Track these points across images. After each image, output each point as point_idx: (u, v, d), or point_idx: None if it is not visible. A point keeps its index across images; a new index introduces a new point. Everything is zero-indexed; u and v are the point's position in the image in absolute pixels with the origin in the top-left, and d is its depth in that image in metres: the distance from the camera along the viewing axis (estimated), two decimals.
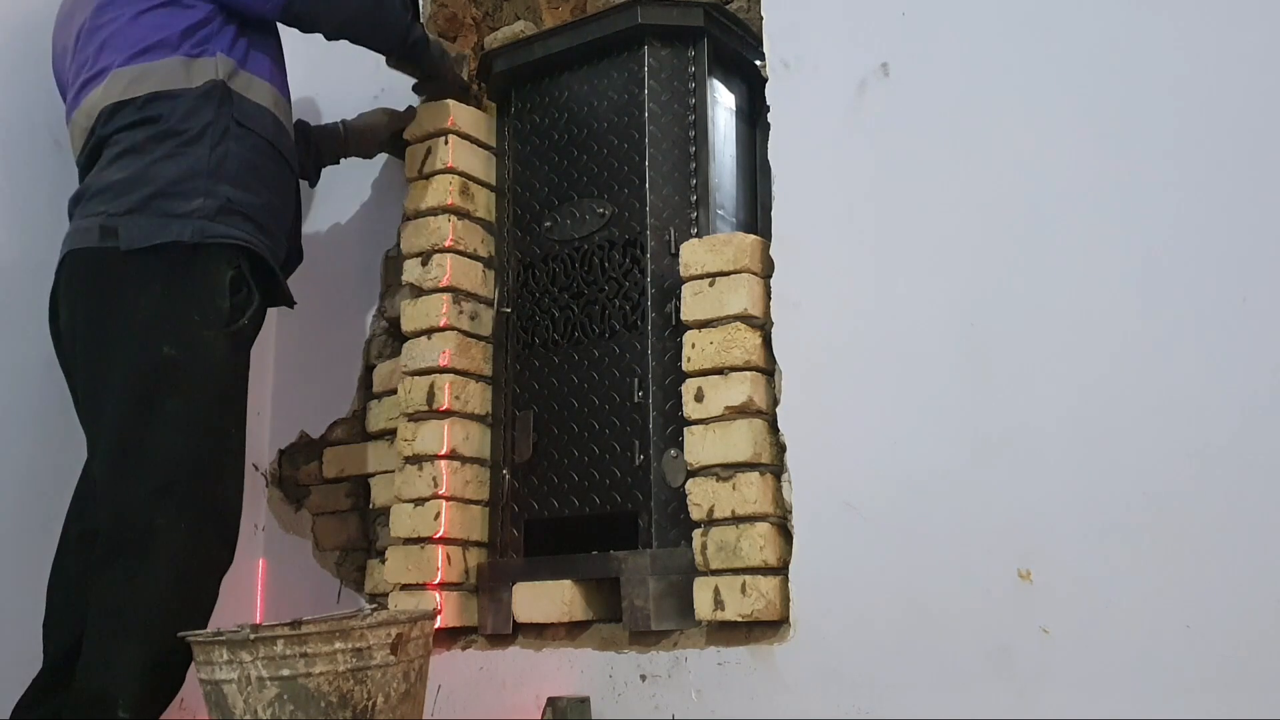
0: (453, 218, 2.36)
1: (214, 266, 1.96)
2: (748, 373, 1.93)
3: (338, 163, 2.53)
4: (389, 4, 2.27)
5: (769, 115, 2.03)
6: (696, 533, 1.94)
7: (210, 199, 1.96)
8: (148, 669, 1.82)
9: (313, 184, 2.54)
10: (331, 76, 2.56)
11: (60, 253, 1.99)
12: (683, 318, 2.03)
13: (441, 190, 2.36)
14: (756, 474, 1.90)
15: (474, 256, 2.38)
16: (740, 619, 1.86)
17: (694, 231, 2.17)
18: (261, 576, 2.70)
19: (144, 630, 1.82)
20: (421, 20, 2.57)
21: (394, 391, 2.44)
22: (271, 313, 2.72)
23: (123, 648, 1.81)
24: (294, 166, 2.20)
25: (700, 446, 1.95)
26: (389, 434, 2.48)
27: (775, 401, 1.94)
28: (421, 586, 2.22)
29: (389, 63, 2.40)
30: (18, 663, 1.97)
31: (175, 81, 2.00)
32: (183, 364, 1.91)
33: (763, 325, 1.97)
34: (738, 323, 1.96)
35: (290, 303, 2.20)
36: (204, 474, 1.92)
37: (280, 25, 2.22)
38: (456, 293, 2.32)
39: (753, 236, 2.03)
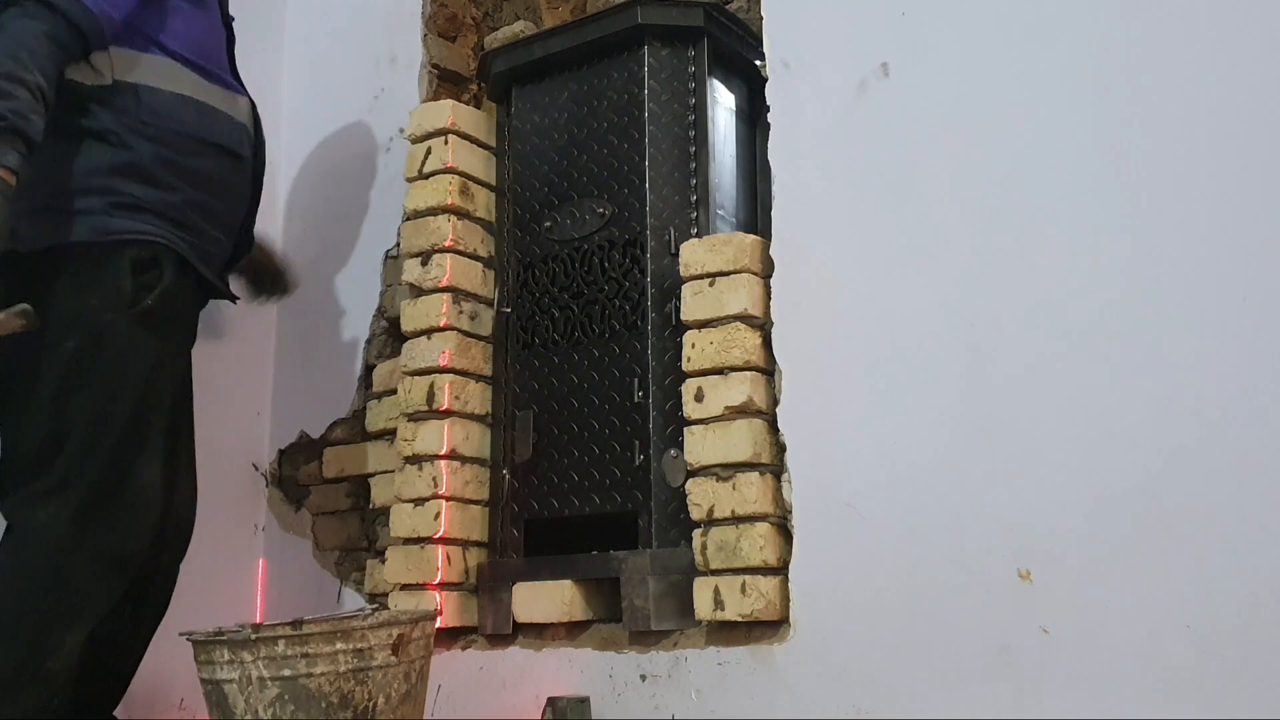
0: (453, 218, 2.36)
1: (115, 256, 1.86)
2: (748, 373, 1.93)
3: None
4: None
5: (769, 115, 2.04)
6: (696, 533, 1.94)
7: (110, 196, 1.86)
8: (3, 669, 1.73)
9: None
10: (333, 78, 2.56)
11: None
12: (683, 318, 2.03)
13: (441, 190, 2.36)
14: (756, 474, 1.90)
15: (474, 256, 2.38)
16: (740, 619, 1.86)
17: (694, 231, 2.17)
18: (261, 576, 2.70)
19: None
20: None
21: (394, 391, 2.44)
22: (270, 313, 2.73)
23: None
24: (235, 151, 2.04)
25: (700, 446, 1.95)
26: (389, 434, 2.48)
27: (775, 401, 1.94)
28: (421, 586, 2.22)
29: None
30: None
31: (78, 74, 1.85)
32: (86, 355, 1.82)
33: (763, 325, 1.97)
34: (738, 323, 1.96)
35: (230, 297, 2.13)
36: (110, 468, 1.84)
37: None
38: (456, 293, 2.32)
39: (753, 236, 2.03)
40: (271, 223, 2.74)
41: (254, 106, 2.14)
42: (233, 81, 2.10)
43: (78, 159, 1.86)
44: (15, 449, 1.86)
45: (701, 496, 1.93)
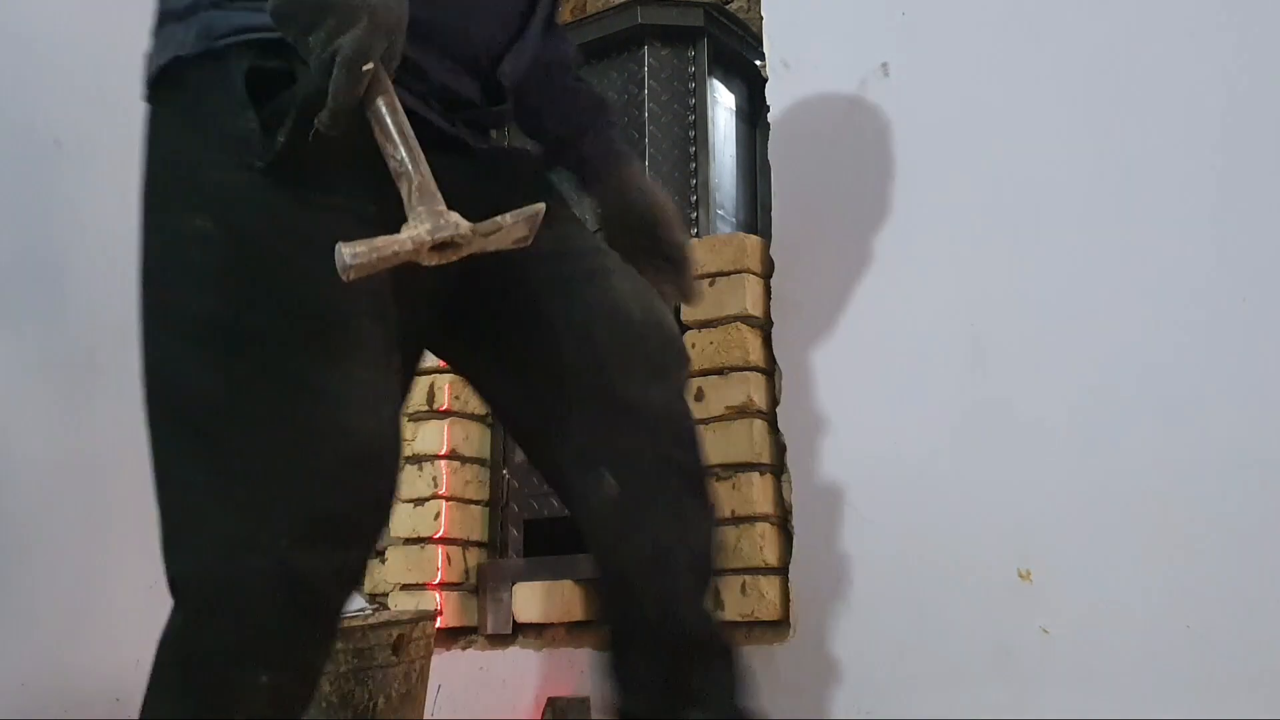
0: None
1: (223, 73, 1.09)
2: (748, 373, 1.93)
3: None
4: None
5: (769, 115, 2.03)
6: None
7: None
8: None
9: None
10: None
11: None
12: (682, 318, 2.03)
13: None
14: (756, 474, 1.90)
15: None
16: (740, 619, 1.86)
17: (694, 231, 2.16)
18: None
19: None
20: None
21: None
22: None
23: None
24: None
25: None
26: None
27: (775, 401, 1.94)
28: (421, 586, 2.22)
29: None
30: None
31: None
32: (214, 240, 1.07)
33: (763, 325, 1.97)
34: (738, 323, 1.96)
35: (466, 147, 1.22)
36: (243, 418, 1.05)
37: None
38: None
39: (753, 236, 2.03)
40: None
41: None
42: None
43: None
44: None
45: None
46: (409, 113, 1.03)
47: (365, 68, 0.99)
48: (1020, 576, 1.67)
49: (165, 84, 1.15)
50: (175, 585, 1.08)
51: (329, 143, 1.02)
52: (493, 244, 1.05)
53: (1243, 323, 1.56)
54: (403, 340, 1.15)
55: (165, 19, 1.16)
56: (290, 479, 1.03)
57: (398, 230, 0.99)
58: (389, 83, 1.02)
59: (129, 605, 2.10)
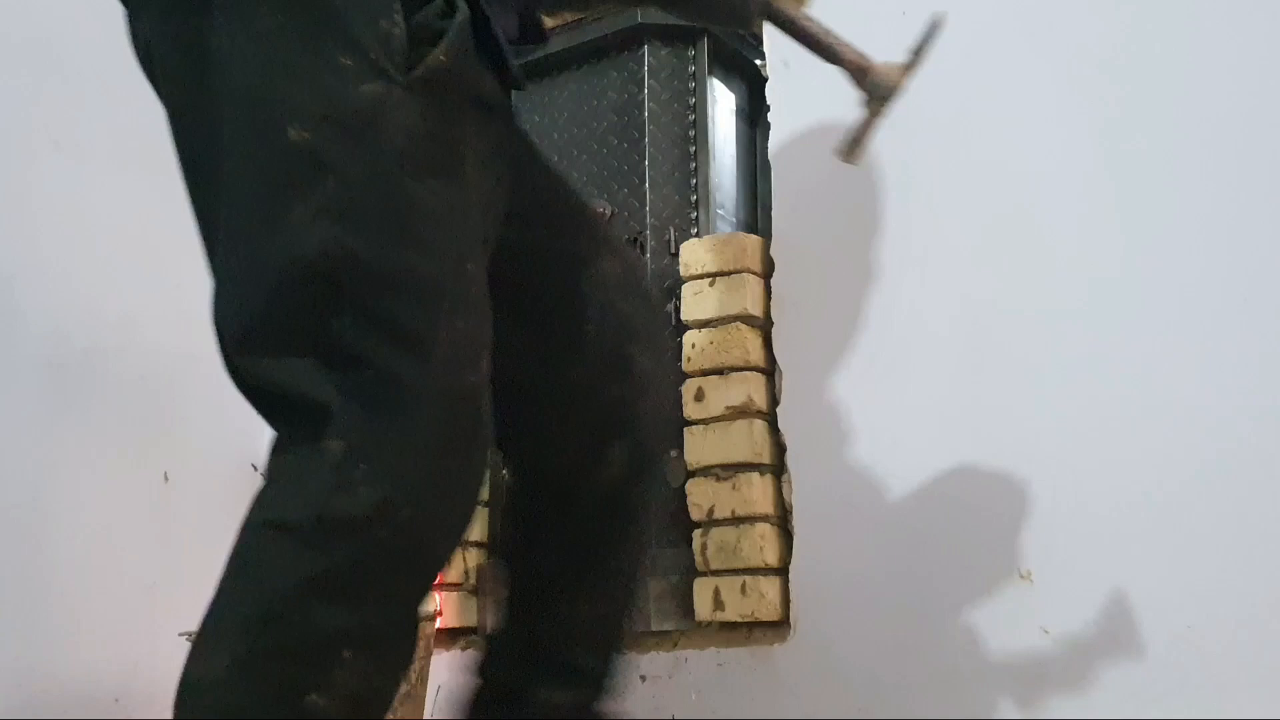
0: None
1: None
2: (748, 373, 1.93)
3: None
4: None
5: (769, 115, 2.03)
6: (696, 533, 1.94)
7: None
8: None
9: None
10: None
11: None
12: (683, 318, 2.02)
13: None
14: (756, 474, 1.89)
15: None
16: (740, 619, 1.86)
17: (694, 231, 2.16)
18: None
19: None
20: None
21: None
22: None
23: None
24: None
25: (700, 446, 1.95)
26: None
27: (775, 401, 1.94)
28: None
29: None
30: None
31: None
32: (328, 157, 0.97)
33: (763, 325, 1.97)
34: (738, 323, 1.96)
35: (517, 84, 1.13)
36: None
37: None
38: None
39: (753, 236, 2.03)
40: None
41: None
42: None
43: None
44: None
45: (701, 497, 1.93)
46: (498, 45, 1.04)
47: None
48: (1020, 576, 1.67)
49: None
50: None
51: (473, 81, 1.01)
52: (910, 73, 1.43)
53: (1243, 323, 1.56)
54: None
55: None
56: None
57: (497, 216, 1.08)
58: None
59: (129, 605, 2.11)
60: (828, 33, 1.42)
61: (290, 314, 0.98)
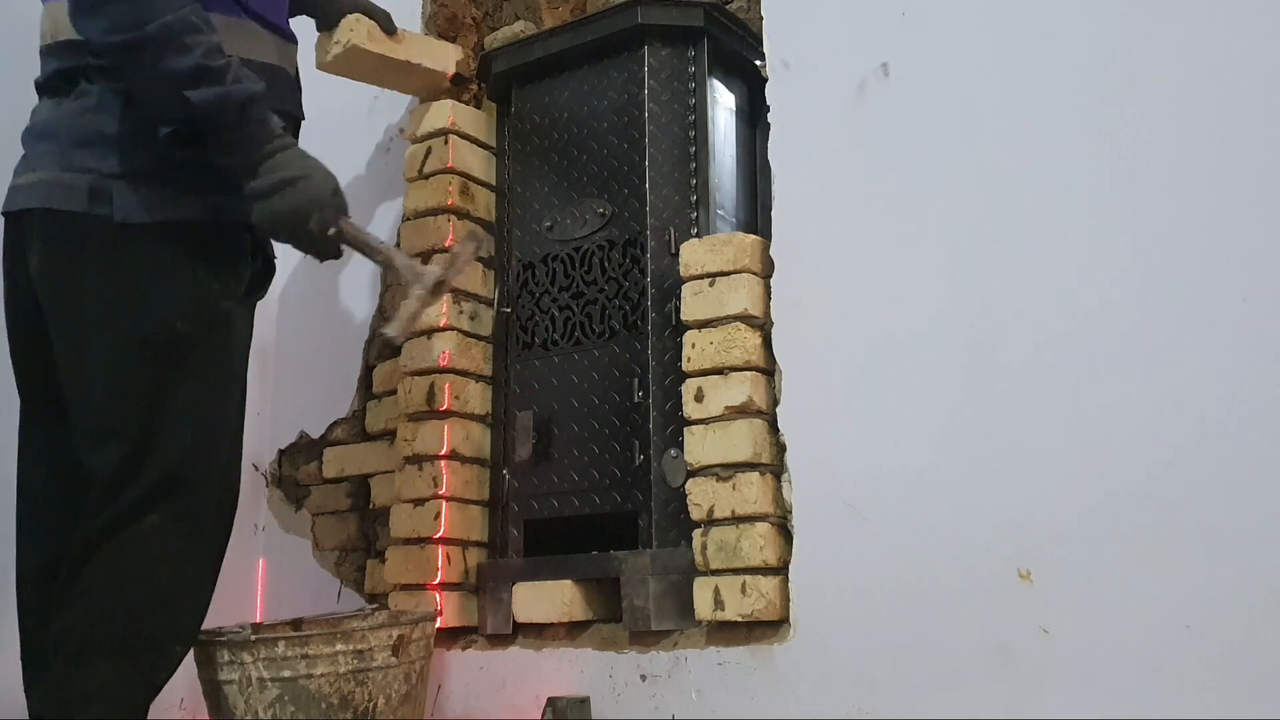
0: (453, 218, 2.36)
1: (236, 240, 1.76)
2: (748, 373, 1.93)
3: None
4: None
5: (769, 115, 2.04)
6: (696, 533, 1.94)
7: (223, 175, 1.68)
8: (122, 684, 1.59)
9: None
10: (332, 78, 2.55)
11: (16, 199, 1.71)
12: (683, 318, 2.03)
13: (441, 190, 2.36)
14: (756, 474, 1.90)
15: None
16: (740, 619, 1.86)
17: (694, 231, 2.17)
18: (261, 576, 2.70)
19: (119, 643, 1.59)
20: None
21: (394, 391, 2.44)
22: (270, 313, 2.73)
23: (93, 662, 1.56)
24: (298, 118, 1.94)
25: (700, 446, 1.95)
26: (389, 434, 2.48)
27: (775, 401, 1.94)
28: (421, 587, 2.22)
29: None
30: None
31: None
32: (200, 342, 1.69)
33: (763, 325, 1.97)
34: (738, 323, 1.96)
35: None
36: (226, 467, 1.78)
37: None
38: (456, 293, 2.32)
39: (753, 236, 2.03)
40: None
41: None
42: (289, 29, 1.92)
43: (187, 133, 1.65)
44: (101, 444, 1.65)
45: (701, 496, 1.93)
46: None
47: (330, 232, 1.72)
48: (1020, 576, 1.67)
49: (174, 229, 1.68)
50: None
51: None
52: (461, 268, 1.88)
53: (1243, 323, 1.56)
54: None
55: (166, 177, 1.67)
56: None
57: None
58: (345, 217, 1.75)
59: None
60: (380, 241, 1.83)
61: None
